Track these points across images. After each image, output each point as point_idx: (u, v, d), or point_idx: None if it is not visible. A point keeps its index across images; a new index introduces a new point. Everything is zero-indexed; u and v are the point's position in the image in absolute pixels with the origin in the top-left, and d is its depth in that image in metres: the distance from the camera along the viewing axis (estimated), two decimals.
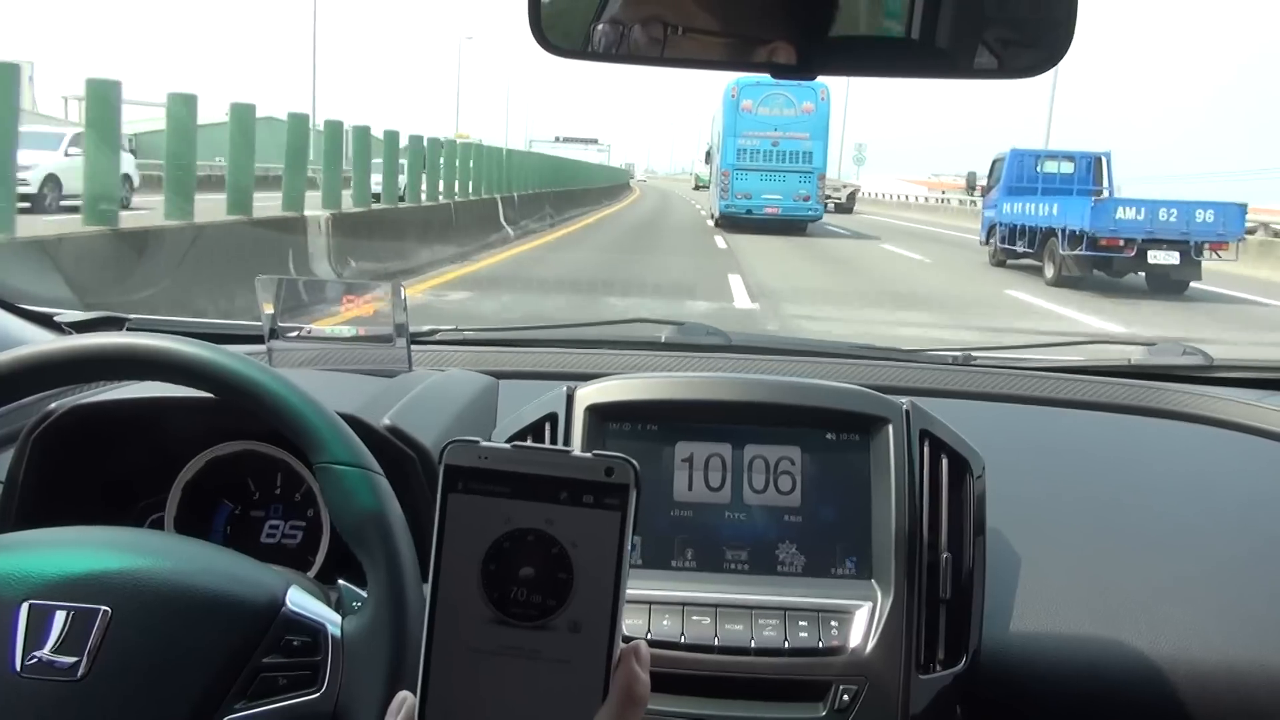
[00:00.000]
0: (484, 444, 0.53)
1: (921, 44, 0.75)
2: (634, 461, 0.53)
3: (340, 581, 0.85)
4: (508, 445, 0.53)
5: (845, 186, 36.80)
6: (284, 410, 0.83)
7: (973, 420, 1.19)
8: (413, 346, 1.38)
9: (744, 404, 1.14)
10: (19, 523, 1.02)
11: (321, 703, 0.76)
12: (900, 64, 0.76)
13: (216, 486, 1.14)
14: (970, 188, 19.90)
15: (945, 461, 1.13)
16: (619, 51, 0.75)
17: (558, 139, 78.14)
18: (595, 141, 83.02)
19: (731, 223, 20.48)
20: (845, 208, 35.06)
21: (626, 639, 0.54)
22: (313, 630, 0.79)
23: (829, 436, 1.14)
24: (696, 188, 54.99)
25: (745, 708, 1.04)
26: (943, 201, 37.55)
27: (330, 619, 0.80)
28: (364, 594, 0.81)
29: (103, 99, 6.75)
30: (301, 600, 0.80)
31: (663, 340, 1.64)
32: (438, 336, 1.61)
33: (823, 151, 21.34)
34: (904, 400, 1.15)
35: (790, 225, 20.46)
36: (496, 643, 0.52)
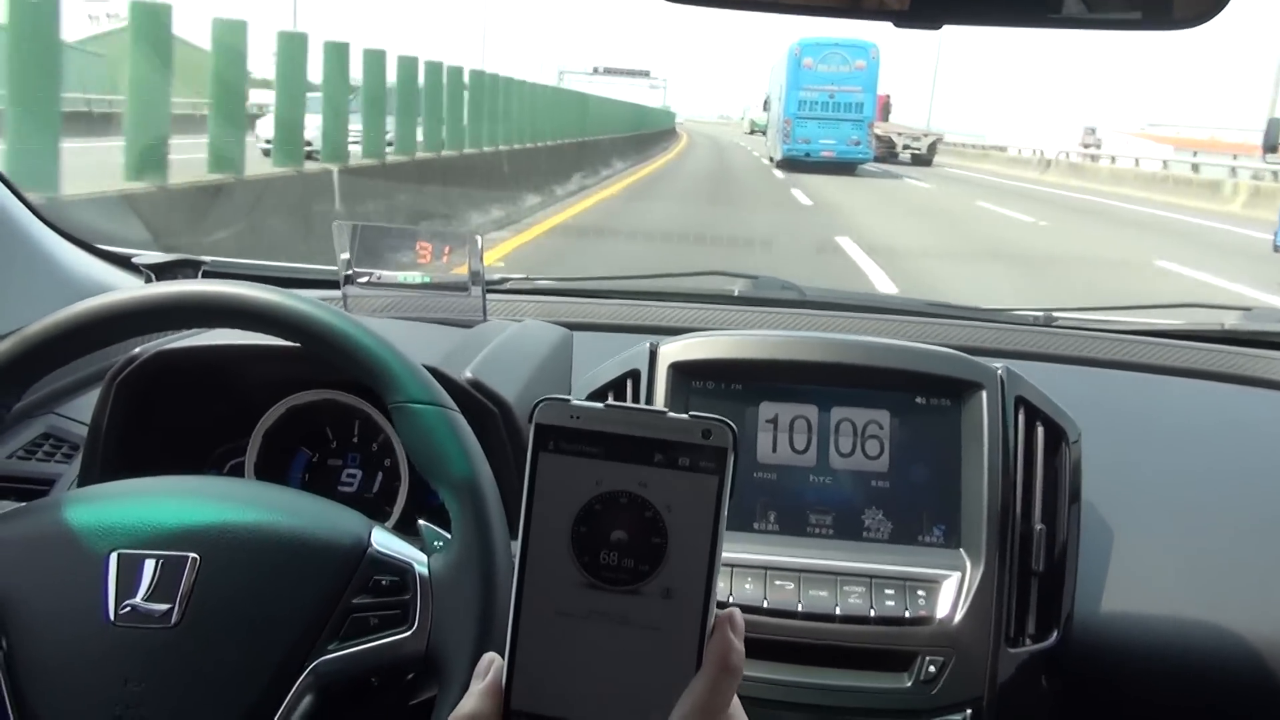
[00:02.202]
0: (576, 402, 0.51)
1: None
2: (732, 424, 0.51)
3: (421, 522, 0.84)
4: (600, 405, 0.51)
5: (926, 135, 33.68)
6: (358, 352, 0.83)
7: (1056, 383, 1.15)
8: (487, 295, 1.36)
9: (833, 365, 1.11)
10: (103, 468, 1.03)
11: (414, 640, 0.76)
12: (1029, 12, 0.71)
13: (295, 435, 1.13)
14: (1272, 146, 11.71)
15: (1040, 429, 1.09)
16: None
17: (596, 70, 62.48)
18: (647, 75, 66.67)
19: (791, 164, 23.98)
20: (924, 159, 32.33)
21: (719, 605, 0.52)
22: (400, 570, 0.78)
23: (919, 400, 1.10)
24: (750, 132, 54.78)
25: (828, 675, 1.02)
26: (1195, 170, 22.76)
27: (416, 558, 0.80)
28: (446, 535, 0.80)
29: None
30: (387, 541, 0.80)
31: (736, 294, 1.61)
32: (509, 285, 1.59)
33: (872, 103, 25.27)
34: (998, 365, 1.11)
35: (843, 165, 24.17)
36: (586, 607, 0.50)
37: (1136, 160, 25.72)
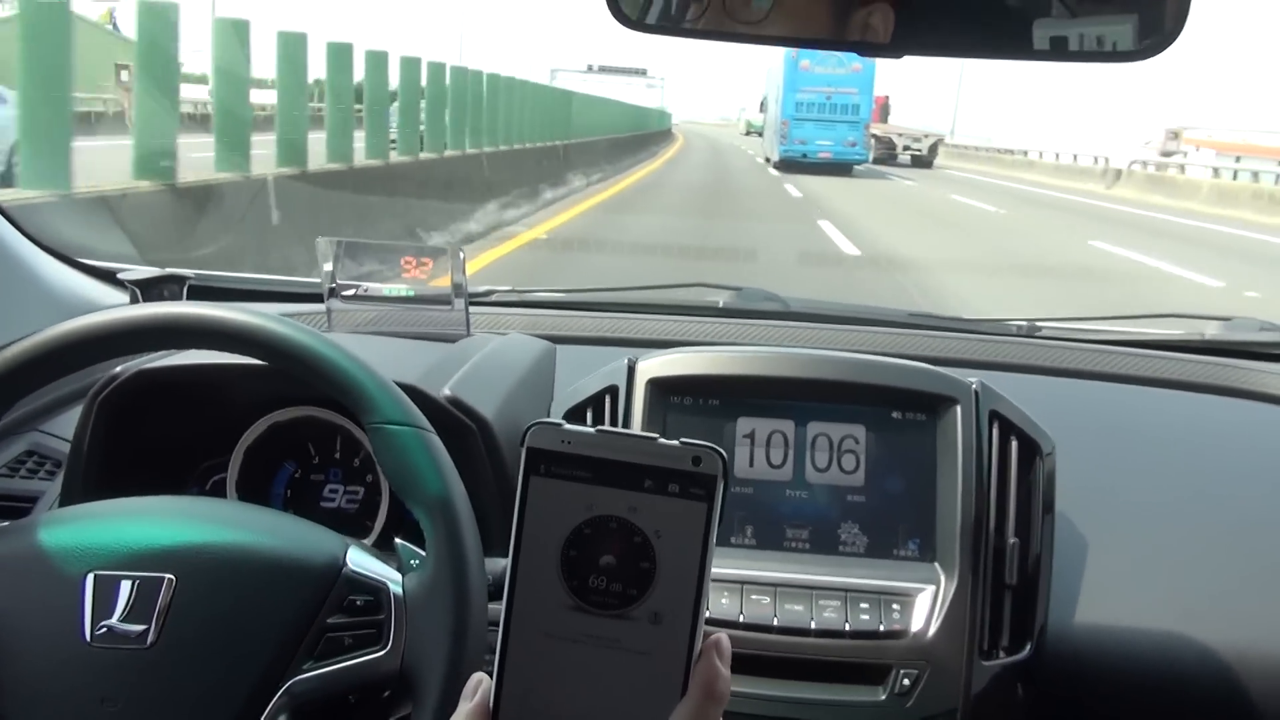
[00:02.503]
0: (567, 427, 0.52)
1: (1019, 21, 0.70)
2: (722, 452, 0.51)
3: (397, 541, 0.85)
4: (592, 430, 0.52)
5: (927, 136, 32.50)
6: (334, 373, 0.83)
7: (1037, 395, 1.16)
8: (470, 308, 1.37)
9: (809, 381, 1.12)
10: (85, 485, 1.03)
11: (388, 659, 0.77)
12: (998, 45, 0.72)
13: (277, 451, 1.14)
14: None
15: (1014, 443, 1.10)
16: (700, 26, 0.71)
17: (591, 69, 57.77)
18: (644, 74, 60.96)
19: (788, 165, 24.23)
20: (924, 161, 31.50)
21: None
22: (374, 589, 0.79)
23: (895, 415, 1.11)
24: (747, 133, 54.61)
25: (803, 689, 1.03)
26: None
27: (391, 577, 0.80)
28: (422, 553, 0.81)
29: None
30: (362, 560, 0.81)
31: (720, 306, 1.62)
32: (494, 298, 1.60)
33: (868, 105, 25.61)
34: (973, 379, 1.12)
35: (839, 166, 24.50)
36: (575, 630, 0.51)
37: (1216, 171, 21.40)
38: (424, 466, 0.81)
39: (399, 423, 0.82)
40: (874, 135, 29.54)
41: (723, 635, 0.52)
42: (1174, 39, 0.68)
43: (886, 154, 30.52)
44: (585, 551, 0.51)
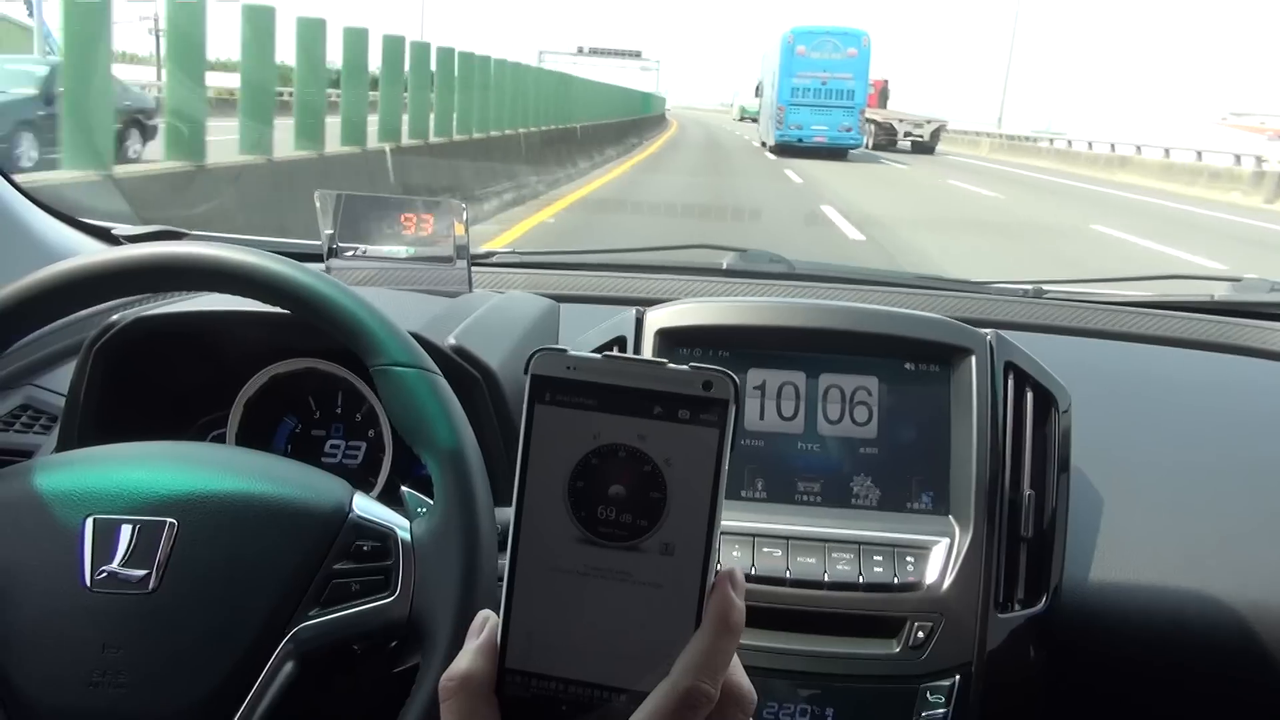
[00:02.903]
0: (573, 353, 0.50)
1: None
2: (733, 375, 0.49)
3: (404, 489, 0.83)
4: (598, 355, 0.50)
5: (929, 122, 30.99)
6: (338, 314, 0.81)
7: (1047, 354, 1.15)
8: (472, 268, 1.35)
9: (821, 331, 1.10)
10: (81, 437, 1.01)
11: (396, 606, 0.75)
12: None
13: (278, 405, 1.12)
14: None
15: (1030, 395, 1.08)
16: None
17: (581, 51, 52.78)
18: (638, 56, 55.76)
19: (783, 149, 24.29)
20: (926, 147, 30.01)
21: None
22: (381, 535, 0.77)
23: (908, 366, 1.09)
24: (740, 119, 54.39)
25: (817, 642, 1.02)
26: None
27: (398, 523, 0.79)
28: (429, 501, 0.79)
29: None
30: (368, 506, 0.79)
31: (725, 266, 1.60)
32: (496, 259, 1.58)
33: (863, 90, 25.67)
34: (988, 331, 1.10)
35: (834, 151, 24.50)
36: (584, 563, 0.49)
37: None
38: (432, 409, 0.79)
39: (406, 364, 0.80)
40: (873, 121, 29.18)
41: (735, 567, 0.50)
42: None
43: (886, 140, 29.87)
44: (593, 482, 0.49)
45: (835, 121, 24.75)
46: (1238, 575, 1.11)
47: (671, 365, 0.49)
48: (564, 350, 0.50)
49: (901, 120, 30.71)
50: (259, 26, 7.17)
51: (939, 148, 30.65)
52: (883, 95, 33.76)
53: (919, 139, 30.17)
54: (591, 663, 0.49)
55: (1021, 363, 1.09)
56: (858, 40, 25.52)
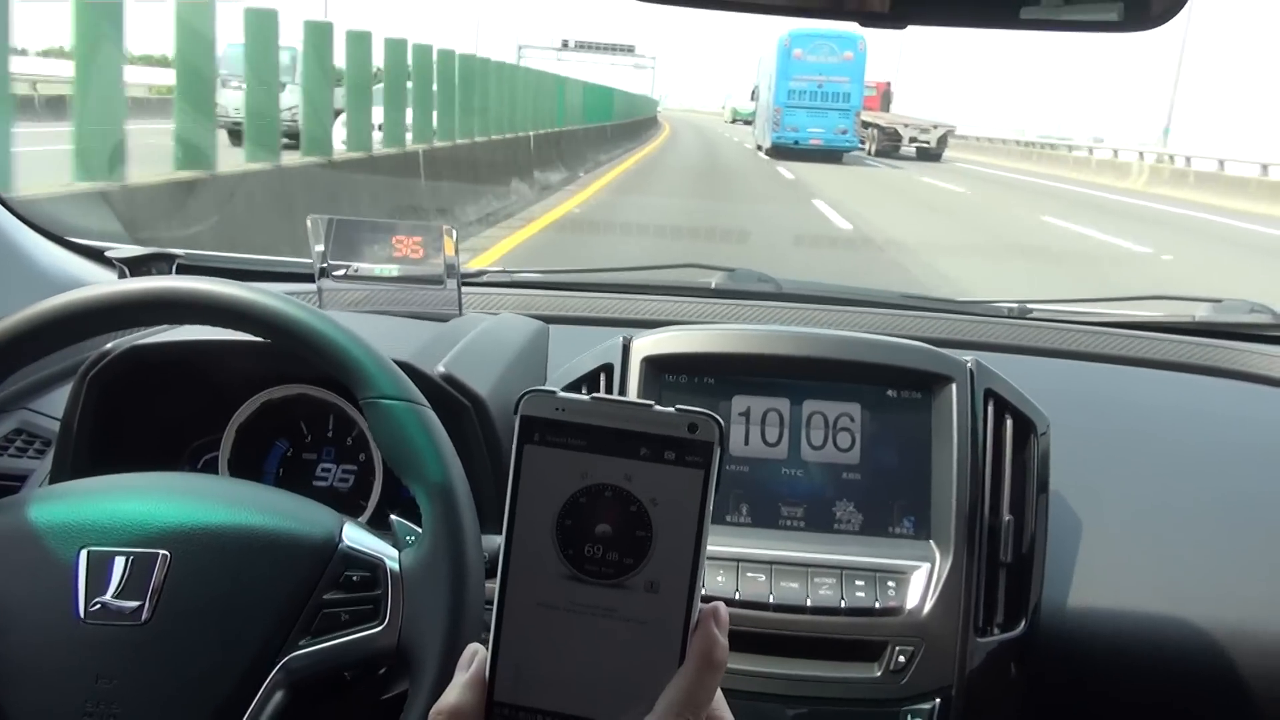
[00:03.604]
0: (561, 394, 0.51)
1: None
2: (719, 419, 0.51)
3: (393, 518, 0.84)
4: (587, 397, 0.51)
5: (936, 127, 29.34)
6: (329, 348, 0.83)
7: (1029, 376, 1.16)
8: (463, 288, 1.36)
9: (805, 359, 1.11)
10: (75, 464, 1.02)
11: (385, 635, 0.77)
12: (998, 15, 0.72)
13: (269, 430, 1.13)
14: None
15: (1009, 421, 1.10)
16: None
17: (566, 45, 46.96)
18: (631, 51, 49.55)
19: (779, 151, 24.42)
20: (932, 154, 28.58)
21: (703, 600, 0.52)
22: (371, 565, 0.79)
23: (890, 394, 1.11)
24: (732, 121, 54.31)
25: (799, 666, 1.03)
26: None
27: (388, 553, 0.80)
28: (418, 530, 0.81)
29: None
30: (358, 536, 0.81)
31: (713, 286, 1.61)
32: (486, 278, 1.59)
33: (859, 93, 25.98)
34: (968, 358, 1.12)
35: (829, 154, 24.81)
36: (571, 600, 0.50)
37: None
38: (421, 442, 0.80)
39: (395, 397, 0.82)
40: (877, 125, 28.68)
41: (720, 604, 0.52)
42: (1181, 7, 0.67)
43: (889, 146, 28.79)
44: (580, 520, 0.50)
45: (831, 124, 24.92)
46: (1216, 600, 1.12)
47: (658, 408, 0.51)
48: (553, 392, 0.51)
49: (907, 125, 29.64)
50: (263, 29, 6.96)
51: (946, 153, 29.60)
52: (885, 98, 33.10)
53: (925, 145, 28.95)
54: (577, 697, 0.51)
55: (1001, 389, 1.11)
56: (854, 44, 25.64)
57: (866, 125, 28.64)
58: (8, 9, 4.69)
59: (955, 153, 30.92)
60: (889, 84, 34.40)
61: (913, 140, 28.98)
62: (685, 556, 0.50)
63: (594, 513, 0.50)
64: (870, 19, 0.71)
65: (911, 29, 0.74)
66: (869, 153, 28.48)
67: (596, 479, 0.51)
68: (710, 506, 0.51)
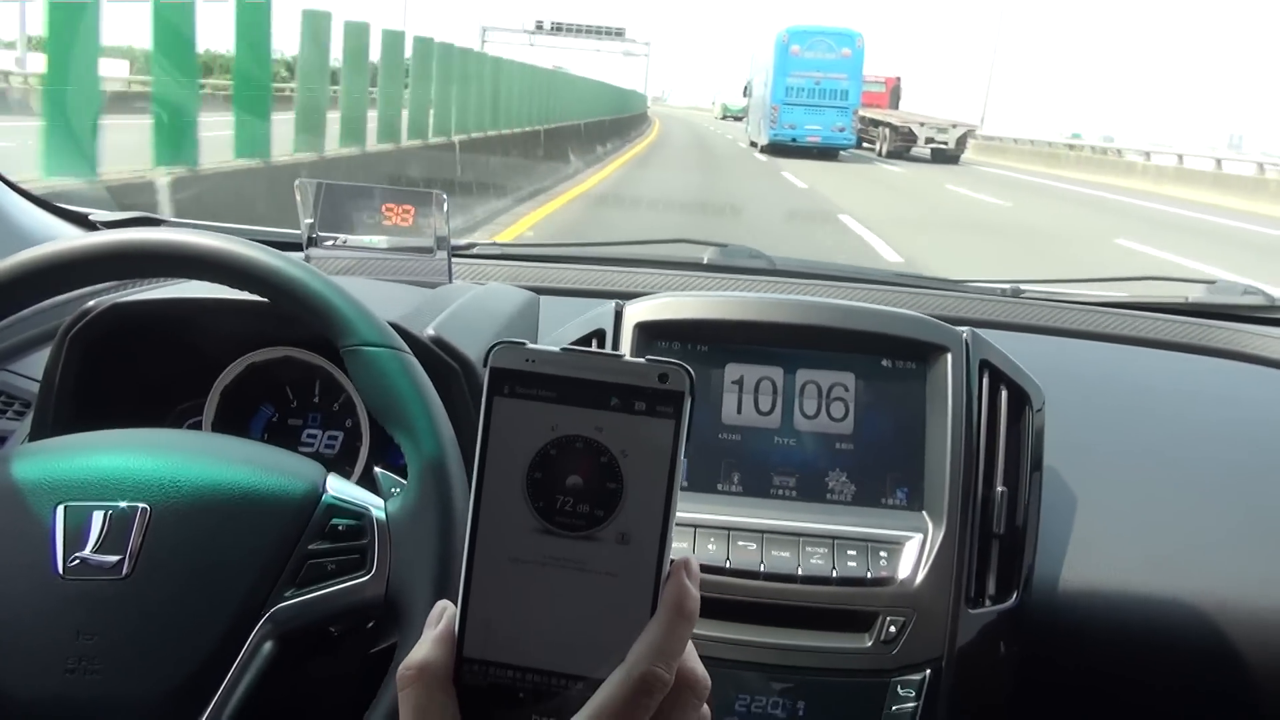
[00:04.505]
0: (531, 346, 0.50)
1: None
2: (689, 367, 0.50)
3: (377, 470, 0.83)
4: (556, 349, 0.50)
5: (955, 127, 26.57)
6: (307, 296, 0.81)
7: (1023, 353, 1.16)
8: (453, 259, 1.35)
9: (799, 326, 1.10)
10: (56, 424, 1.01)
11: (372, 585, 0.76)
12: None
13: (255, 393, 1.12)
14: None
15: (1004, 393, 1.09)
16: None
17: (541, 27, 39.90)
18: (620, 35, 41.69)
19: (775, 149, 23.73)
20: (950, 155, 25.99)
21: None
22: (356, 514, 0.78)
23: (885, 363, 1.10)
24: (722, 117, 54.21)
25: (790, 635, 1.03)
26: None
27: (373, 502, 0.79)
28: (403, 481, 0.79)
29: None
30: (342, 486, 0.80)
31: (705, 261, 1.60)
32: (476, 250, 1.58)
33: (857, 90, 25.27)
34: (964, 329, 1.11)
35: (826, 151, 24.23)
36: (541, 553, 0.50)
37: None
38: (404, 388, 0.79)
39: (376, 344, 0.80)
40: (888, 124, 27.05)
41: (691, 556, 0.51)
42: None
43: (902, 146, 26.38)
44: (551, 473, 0.50)
45: (829, 121, 24.59)
46: (1207, 574, 1.12)
47: (628, 359, 0.50)
48: (522, 343, 0.50)
49: (923, 124, 26.82)
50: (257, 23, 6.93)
51: (963, 156, 26.73)
52: (894, 95, 31.37)
53: (942, 146, 26.21)
54: (549, 651, 0.50)
55: (996, 361, 1.10)
56: (852, 41, 25.38)
57: (876, 124, 27.49)
58: None
59: (972, 155, 28.14)
60: (898, 79, 32.41)
61: (929, 141, 26.40)
62: (656, 508, 0.50)
63: (565, 464, 0.50)
64: None
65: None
66: (879, 153, 26.63)
67: (567, 430, 0.50)
68: (681, 457, 0.50)
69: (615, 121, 24.21)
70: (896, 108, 30.42)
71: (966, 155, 27.09)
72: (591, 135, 18.81)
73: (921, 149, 26.32)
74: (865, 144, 28.17)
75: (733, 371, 1.10)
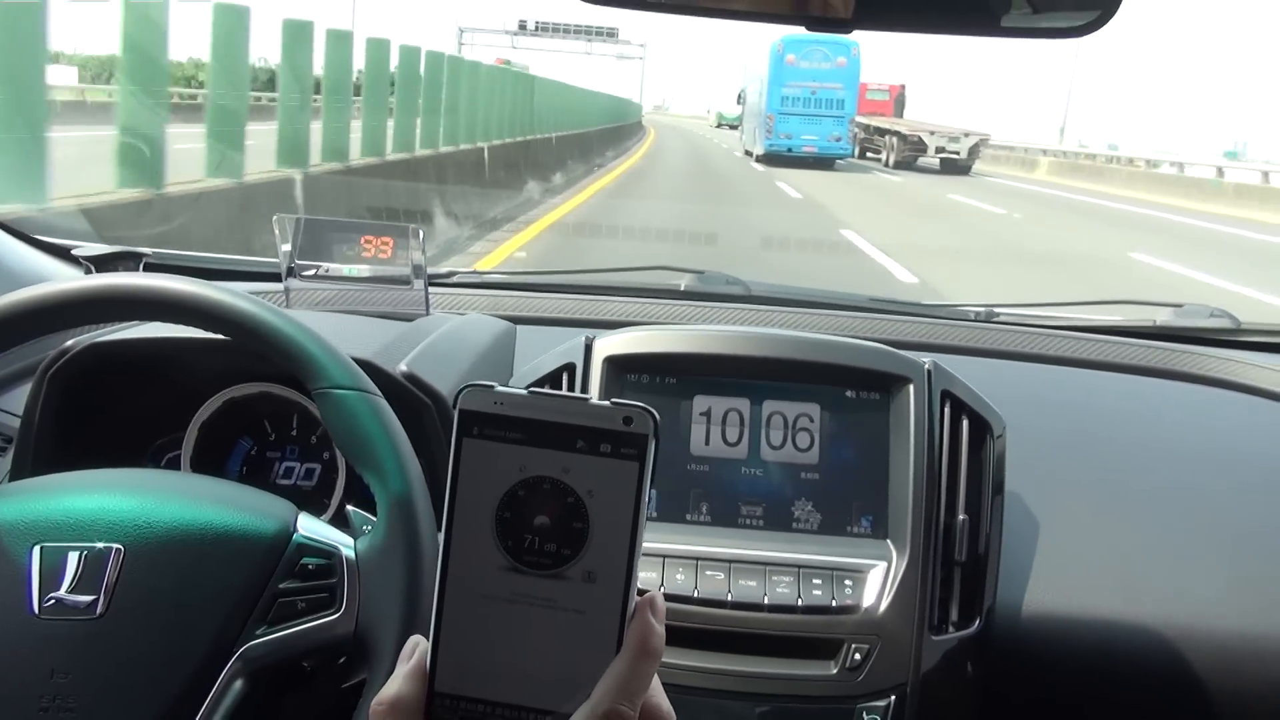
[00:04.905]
0: (499, 389, 0.52)
1: None
2: (653, 411, 0.52)
3: (349, 508, 0.85)
4: (524, 391, 0.52)
5: (967, 136, 25.13)
6: (279, 340, 0.83)
7: (993, 379, 1.18)
8: (430, 289, 1.37)
9: (765, 359, 1.13)
10: (36, 462, 1.02)
11: (342, 622, 0.77)
12: (947, 20, 0.73)
13: (233, 428, 1.14)
14: None
15: (966, 422, 1.12)
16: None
17: (524, 28, 37.28)
18: (614, 37, 39.46)
19: (771, 158, 23.86)
20: (960, 166, 24.79)
21: (641, 591, 0.53)
22: (326, 553, 0.79)
23: (849, 394, 1.12)
24: (717, 126, 54.20)
25: (757, 664, 1.04)
26: None
27: (343, 541, 0.81)
28: (373, 519, 0.81)
29: None
30: (312, 526, 0.81)
31: (682, 289, 1.62)
32: (455, 279, 1.60)
33: (853, 100, 25.06)
34: (926, 360, 1.13)
35: (822, 161, 24.04)
36: (510, 591, 0.51)
37: None
38: (373, 430, 0.81)
39: (346, 387, 0.82)
40: (896, 133, 26.16)
41: (657, 594, 0.53)
42: (1112, 16, 0.69)
43: (911, 156, 25.42)
44: (519, 513, 0.51)
45: (825, 131, 24.45)
46: (1168, 599, 1.14)
47: (594, 401, 0.52)
48: (492, 386, 0.52)
49: (933, 132, 25.54)
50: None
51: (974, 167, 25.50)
52: (898, 102, 30.77)
53: (953, 156, 24.82)
54: (518, 686, 0.51)
55: (958, 391, 1.12)
56: (848, 50, 25.13)
57: (883, 133, 26.89)
58: None
59: (984, 165, 26.72)
60: (903, 87, 31.54)
61: (939, 150, 25.14)
62: (621, 547, 0.51)
63: (532, 505, 0.51)
64: (830, 25, 0.72)
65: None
66: (885, 163, 26.04)
67: (534, 471, 0.51)
68: (645, 498, 0.51)
69: (604, 133, 23.54)
70: (901, 116, 29.86)
71: (975, 166, 25.73)
72: (574, 150, 17.88)
73: (930, 159, 25.41)
74: (869, 154, 27.59)
75: (700, 403, 1.12)
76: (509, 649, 0.51)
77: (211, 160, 6.63)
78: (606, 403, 0.52)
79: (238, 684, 0.76)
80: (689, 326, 1.22)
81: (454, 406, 0.52)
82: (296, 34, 7.96)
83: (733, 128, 41.07)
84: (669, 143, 33.07)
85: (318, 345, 0.84)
